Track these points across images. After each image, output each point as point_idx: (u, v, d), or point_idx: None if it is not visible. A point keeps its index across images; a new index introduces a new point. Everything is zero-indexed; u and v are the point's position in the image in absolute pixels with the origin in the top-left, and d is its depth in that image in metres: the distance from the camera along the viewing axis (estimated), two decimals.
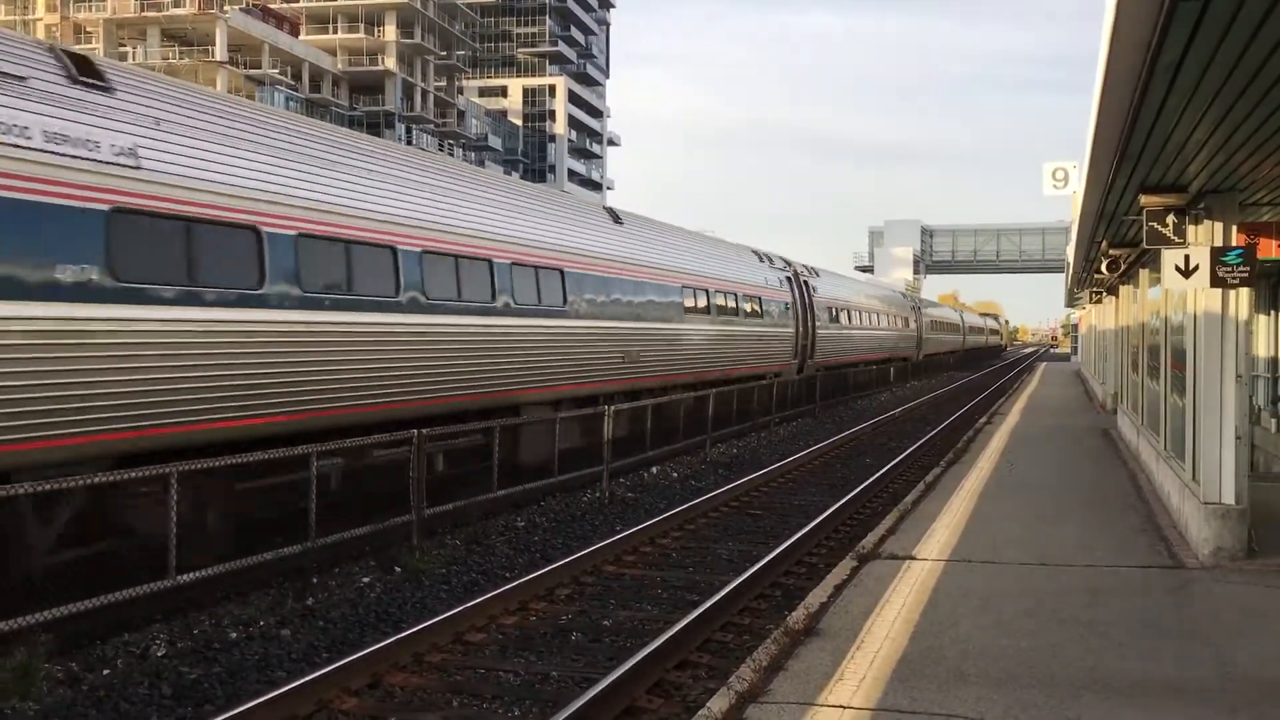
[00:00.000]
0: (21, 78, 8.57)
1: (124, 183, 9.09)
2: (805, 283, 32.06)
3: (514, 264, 14.92)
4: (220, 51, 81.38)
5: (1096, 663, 6.74)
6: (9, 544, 8.28)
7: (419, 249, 12.74)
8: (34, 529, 8.45)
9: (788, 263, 31.57)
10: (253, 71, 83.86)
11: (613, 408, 16.44)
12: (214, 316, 9.80)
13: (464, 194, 14.44)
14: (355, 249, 11.71)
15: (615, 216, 20.40)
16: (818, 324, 32.56)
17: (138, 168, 9.24)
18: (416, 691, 7.57)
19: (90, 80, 9.25)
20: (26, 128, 8.37)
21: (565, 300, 16.41)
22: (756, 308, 26.71)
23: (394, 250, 12.27)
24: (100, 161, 8.91)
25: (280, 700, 6.81)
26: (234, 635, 8.72)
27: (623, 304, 18.75)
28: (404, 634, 8.27)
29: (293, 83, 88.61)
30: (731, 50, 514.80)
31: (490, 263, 14.34)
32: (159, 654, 8.24)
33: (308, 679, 7.16)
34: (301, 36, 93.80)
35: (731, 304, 24.83)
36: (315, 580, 10.09)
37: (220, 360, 9.83)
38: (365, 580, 10.53)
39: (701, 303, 22.78)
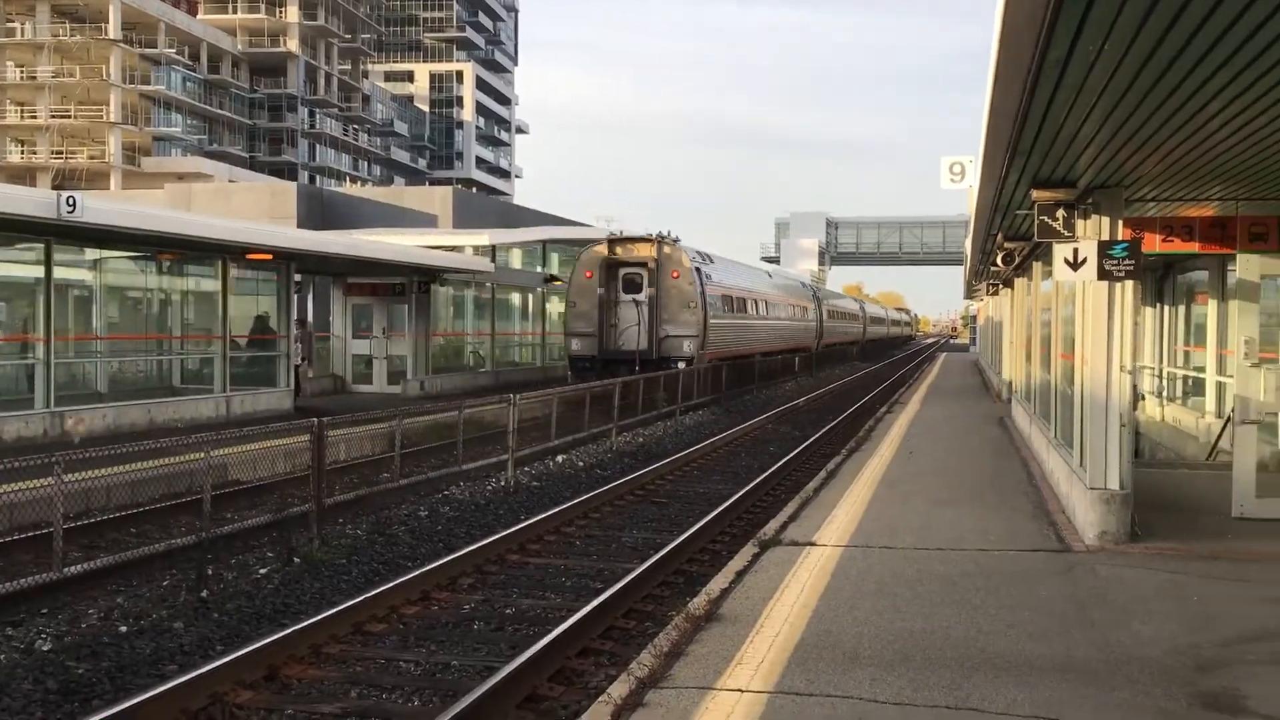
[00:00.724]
0: (711, 260, 34.28)
1: (722, 290, 33.92)
2: (818, 296, 56.24)
3: (762, 300, 40.15)
4: (114, 29, 78.81)
5: (987, 644, 6.93)
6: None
7: (765, 299, 41.27)
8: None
9: (811, 286, 58.10)
10: (148, 50, 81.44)
11: (518, 397, 16.42)
12: (756, 321, 38.93)
13: (764, 279, 43.43)
14: (755, 301, 39.40)
15: (769, 274, 46.71)
16: (825, 320, 55.63)
17: (724, 285, 34.32)
18: (314, 683, 7.46)
19: (710, 259, 34.12)
20: (711, 276, 32.92)
21: (768, 314, 41.15)
22: (804, 312, 50.50)
23: (776, 299, 43.96)
24: (724, 284, 34.30)
25: (170, 694, 6.65)
26: (124, 629, 8.50)
27: (773, 312, 42.69)
28: (301, 625, 8.14)
29: (190, 63, 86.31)
30: (646, 40, 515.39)
31: (798, 305, 49.82)
32: (44, 649, 8.00)
33: (200, 672, 7.00)
34: (199, 15, 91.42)
35: (797, 311, 48.67)
36: (210, 572, 9.87)
37: (772, 328, 41.78)
38: (262, 571, 10.34)
39: (788, 312, 46.49)
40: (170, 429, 18.73)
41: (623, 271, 30.89)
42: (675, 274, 30.93)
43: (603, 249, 31.07)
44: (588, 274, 30.98)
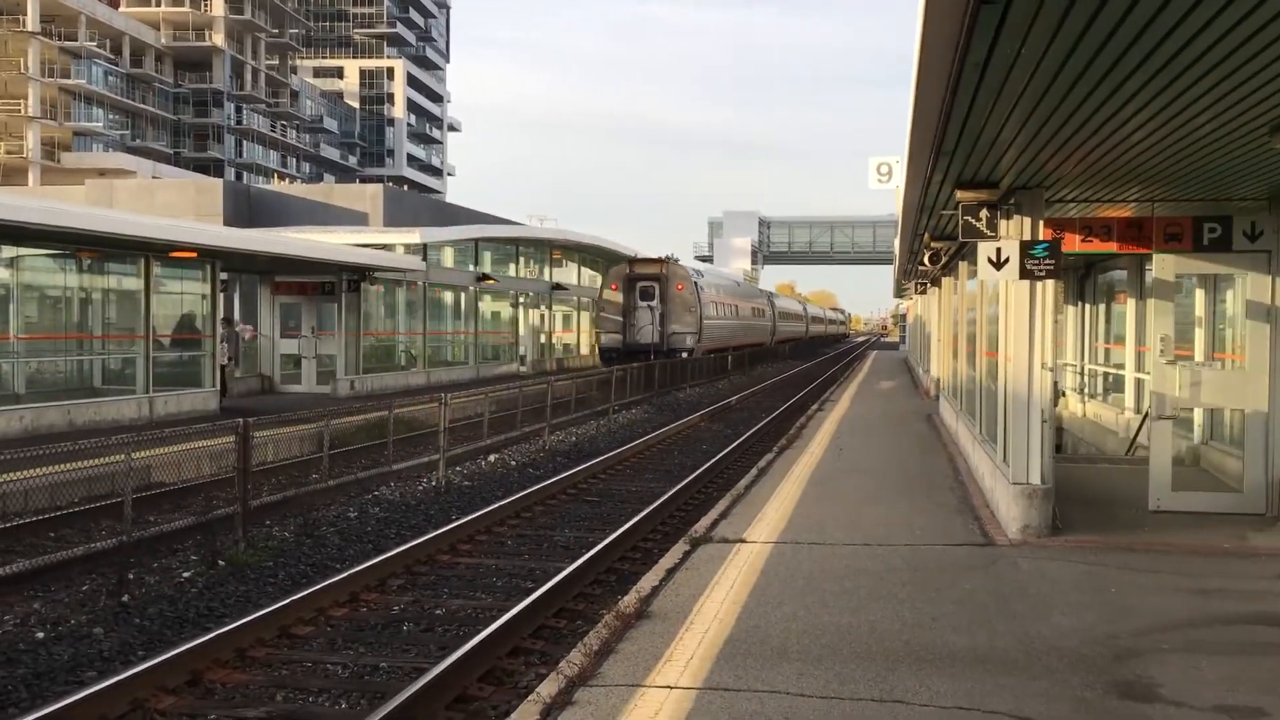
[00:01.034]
0: (703, 274, 46.50)
1: (712, 298, 45.55)
2: (772, 299, 67.74)
3: (737, 306, 52.38)
4: (32, 21, 76.73)
5: (911, 637, 7.04)
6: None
7: (739, 305, 54.10)
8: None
9: (767, 292, 71.51)
10: (68, 44, 79.41)
11: (448, 395, 16.32)
12: (733, 320, 51.12)
13: (739, 289, 57.32)
14: (734, 305, 52.38)
15: (738, 283, 57.88)
16: (777, 319, 66.59)
17: (713, 294, 45.55)
18: (238, 687, 7.35)
19: (701, 274, 45.98)
20: (704, 287, 44.26)
21: (740, 315, 52.33)
22: (763, 313, 61.15)
23: (747, 305, 56.93)
24: (713, 293, 45.75)
25: (90, 701, 6.51)
26: (41, 635, 8.29)
27: (743, 313, 53.73)
28: (226, 628, 8.01)
29: (112, 56, 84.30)
30: (580, 39, 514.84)
31: (766, 308, 65.33)
32: None
33: (120, 678, 6.86)
34: (121, 8, 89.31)
35: (756, 313, 58.33)
36: (132, 576, 9.67)
37: (745, 326, 54.32)
38: (186, 575, 10.16)
39: (754, 314, 56.81)
40: (91, 431, 18.30)
41: (639, 284, 40.73)
42: (679, 286, 40.86)
43: (624, 267, 41.77)
44: (613, 286, 41.10)
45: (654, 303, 40.32)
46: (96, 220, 19.96)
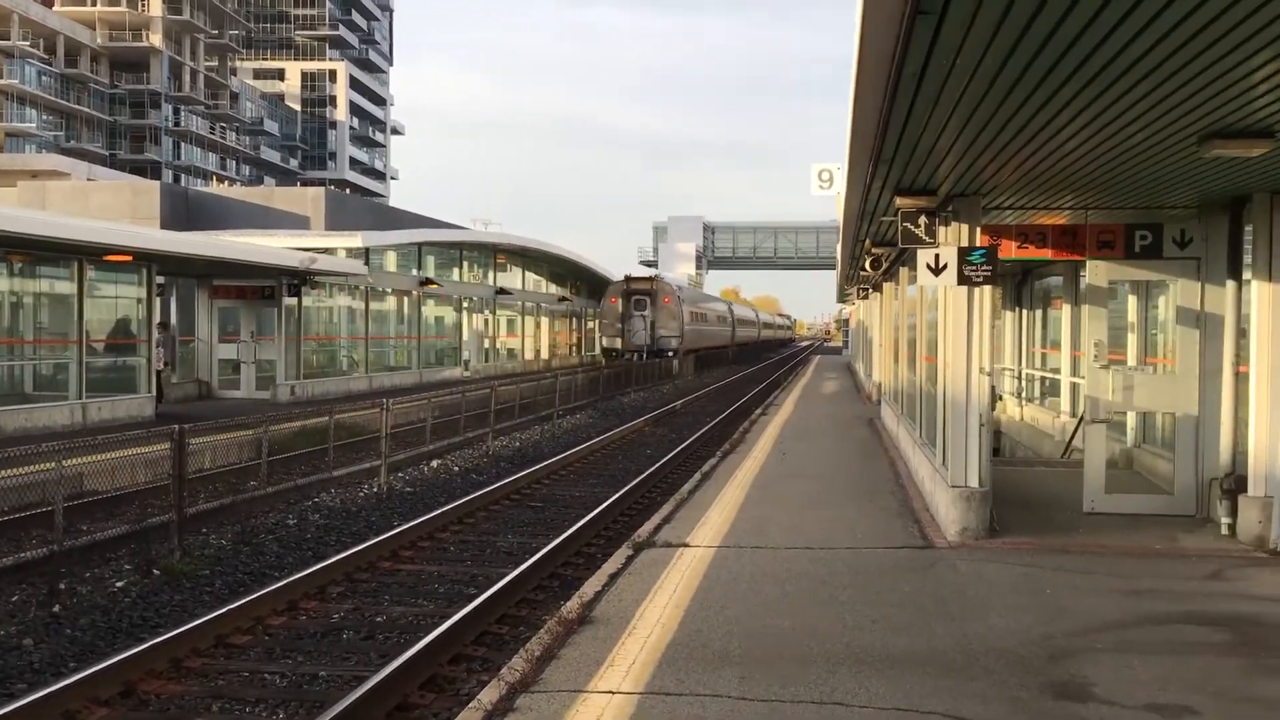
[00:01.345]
0: (683, 289, 56.27)
1: (690, 308, 54.37)
2: (731, 308, 74.95)
3: (706, 314, 61.26)
4: None
5: (852, 639, 7.09)
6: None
7: (708, 313, 63.10)
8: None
9: (727, 302, 77.37)
10: (0, 43, 77.62)
11: (390, 401, 16.20)
12: (706, 327, 60.13)
13: (708, 300, 68.29)
14: (707, 313, 62.06)
15: (705, 296, 71.02)
16: (736, 325, 73.24)
17: (691, 306, 55.46)
18: (173, 698, 7.23)
19: (682, 288, 55.99)
20: (684, 300, 53.36)
21: (709, 322, 60.96)
22: (724, 320, 68.06)
23: (714, 313, 65.61)
24: (691, 305, 55.22)
25: (19, 714, 6.36)
26: None
27: (711, 320, 62.32)
28: (160, 638, 7.87)
29: (46, 56, 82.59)
30: (526, 42, 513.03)
31: (718, 315, 69.81)
32: None
33: (50, 689, 6.72)
34: (56, 7, 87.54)
35: (720, 319, 65.89)
36: (63, 586, 9.46)
37: (713, 331, 63.23)
38: (119, 584, 9.97)
39: (718, 321, 65.15)
40: (22, 438, 17.88)
41: (634, 297, 50.48)
42: (666, 299, 50.42)
43: (623, 284, 51.35)
44: (613, 299, 50.69)
45: (646, 312, 49.77)
46: (28, 222, 19.52)
